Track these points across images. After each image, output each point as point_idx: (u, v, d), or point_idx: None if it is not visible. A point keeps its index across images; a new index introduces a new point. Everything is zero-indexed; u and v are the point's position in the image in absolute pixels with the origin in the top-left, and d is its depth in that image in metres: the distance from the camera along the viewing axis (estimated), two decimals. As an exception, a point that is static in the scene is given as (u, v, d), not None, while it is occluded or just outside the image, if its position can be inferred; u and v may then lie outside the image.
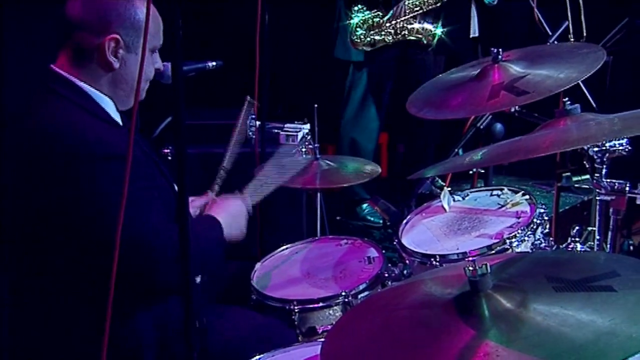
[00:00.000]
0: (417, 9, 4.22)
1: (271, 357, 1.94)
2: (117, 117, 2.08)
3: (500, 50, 2.36)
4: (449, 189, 2.56)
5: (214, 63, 3.14)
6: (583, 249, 2.34)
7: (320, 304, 2.25)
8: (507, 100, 2.23)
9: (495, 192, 2.52)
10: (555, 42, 3.28)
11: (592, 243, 2.46)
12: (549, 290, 1.37)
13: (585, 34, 3.53)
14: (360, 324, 1.54)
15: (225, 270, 2.47)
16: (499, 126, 2.75)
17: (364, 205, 4.63)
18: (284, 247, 2.65)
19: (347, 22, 4.20)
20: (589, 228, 2.94)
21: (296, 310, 2.25)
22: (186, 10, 1.58)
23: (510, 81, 2.27)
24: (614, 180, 2.23)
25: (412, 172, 2.08)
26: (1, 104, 1.70)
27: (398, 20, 4.19)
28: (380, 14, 4.22)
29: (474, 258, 2.04)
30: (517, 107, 2.62)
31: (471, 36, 4.62)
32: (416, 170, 2.08)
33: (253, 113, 2.75)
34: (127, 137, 1.67)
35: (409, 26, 4.22)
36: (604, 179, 2.24)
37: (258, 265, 2.53)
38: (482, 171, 3.09)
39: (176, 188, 1.82)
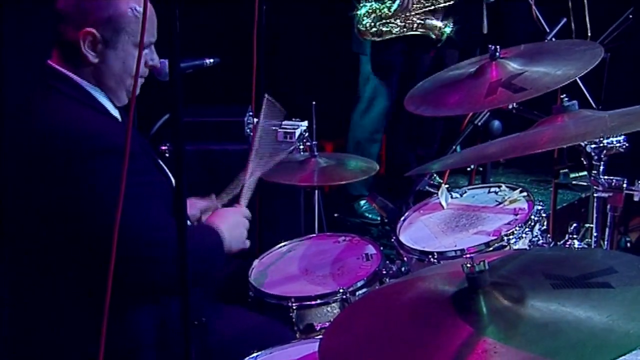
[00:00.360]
0: (428, 4, 4.18)
1: (269, 355, 1.94)
2: (116, 113, 2.07)
3: (497, 47, 2.36)
4: (447, 186, 2.56)
5: (212, 60, 3.14)
6: (580, 246, 2.34)
7: (318, 301, 2.25)
8: (505, 97, 2.24)
9: (493, 189, 2.52)
10: (553, 39, 3.28)
11: (590, 240, 2.46)
12: (547, 287, 1.37)
13: (589, 34, 3.53)
14: (358, 321, 1.54)
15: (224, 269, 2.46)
16: (496, 123, 2.75)
17: (362, 202, 4.61)
18: (282, 244, 2.64)
19: (354, 12, 4.18)
20: (587, 225, 2.95)
21: (294, 307, 2.25)
22: (183, 6, 1.57)
23: (508, 78, 2.27)
24: (611, 177, 2.23)
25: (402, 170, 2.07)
26: (2, 101, 1.70)
27: (408, 15, 4.16)
28: (390, 4, 4.18)
29: (472, 255, 2.05)
30: (514, 104, 2.62)
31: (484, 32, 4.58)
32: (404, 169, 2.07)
33: (275, 110, 2.58)
34: (125, 131, 1.66)
35: (418, 21, 4.19)
36: (601, 176, 2.24)
37: (256, 262, 2.52)
38: (480, 168, 3.09)
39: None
